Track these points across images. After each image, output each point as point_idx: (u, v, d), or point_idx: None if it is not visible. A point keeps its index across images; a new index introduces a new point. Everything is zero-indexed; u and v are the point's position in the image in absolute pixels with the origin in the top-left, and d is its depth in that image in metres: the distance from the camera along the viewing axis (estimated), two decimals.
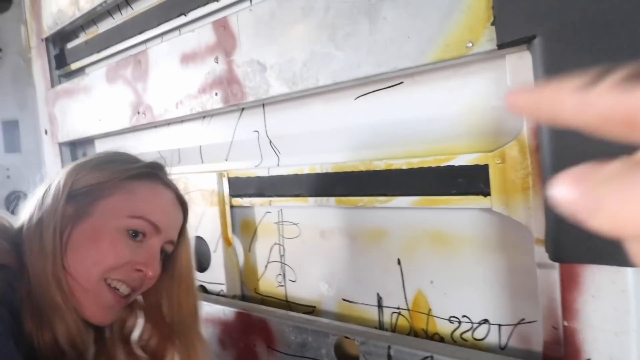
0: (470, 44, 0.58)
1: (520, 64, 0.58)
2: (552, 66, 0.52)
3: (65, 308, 0.58)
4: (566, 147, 0.51)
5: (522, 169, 0.59)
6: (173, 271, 0.72)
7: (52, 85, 1.41)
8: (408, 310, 0.76)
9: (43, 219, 0.60)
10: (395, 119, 0.73)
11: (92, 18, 1.29)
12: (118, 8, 1.22)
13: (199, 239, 1.07)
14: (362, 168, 0.76)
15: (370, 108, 0.76)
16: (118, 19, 1.22)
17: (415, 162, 0.70)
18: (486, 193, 0.63)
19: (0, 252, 0.57)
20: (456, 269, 0.70)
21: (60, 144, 1.41)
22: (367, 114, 0.76)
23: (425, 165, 0.69)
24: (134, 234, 0.63)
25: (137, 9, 1.16)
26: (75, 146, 1.42)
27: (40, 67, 1.45)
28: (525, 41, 0.54)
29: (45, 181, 0.67)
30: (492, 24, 0.55)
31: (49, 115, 1.43)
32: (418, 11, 0.62)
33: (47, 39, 1.40)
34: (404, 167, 0.71)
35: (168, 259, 0.71)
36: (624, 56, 0.46)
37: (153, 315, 0.73)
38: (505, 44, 0.55)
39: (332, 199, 0.81)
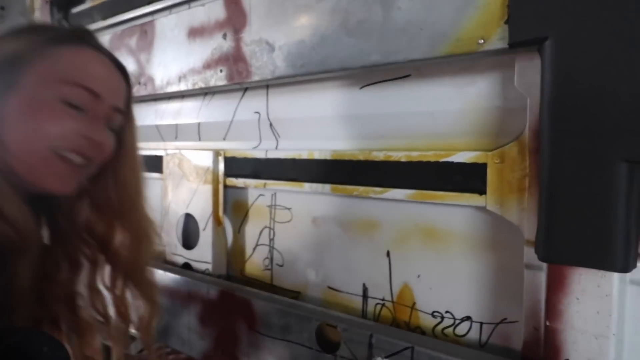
0: (482, 41, 0.58)
1: (529, 66, 0.58)
2: (560, 70, 0.52)
3: (6, 188, 0.56)
4: (566, 151, 0.52)
5: (520, 170, 0.60)
6: (120, 148, 0.69)
7: None
8: (392, 302, 0.76)
9: None
10: (398, 112, 0.74)
11: None
12: None
13: (189, 216, 1.07)
14: (361, 157, 0.76)
15: (374, 99, 0.76)
16: None
17: (415, 156, 0.70)
18: (482, 191, 0.64)
19: None
20: (444, 265, 0.71)
21: None
22: (371, 104, 0.76)
23: (424, 160, 0.69)
24: (74, 103, 0.60)
25: None
26: None
27: None
28: (536, 42, 0.54)
29: None
30: (506, 22, 0.56)
31: None
32: (433, 4, 0.62)
33: (51, 2, 1.38)
34: (403, 159, 0.71)
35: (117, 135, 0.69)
36: (633, 65, 0.47)
37: (99, 196, 0.71)
38: (517, 43, 0.55)
39: (328, 186, 0.81)
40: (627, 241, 0.48)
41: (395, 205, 0.75)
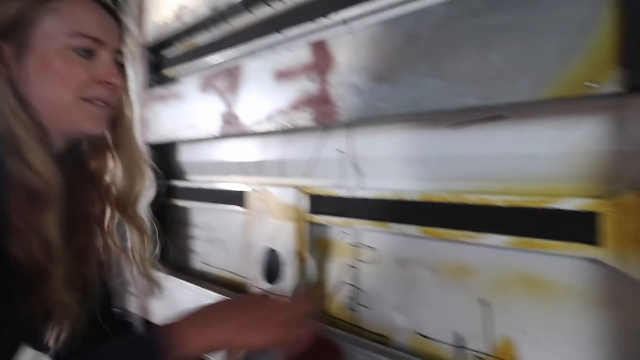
0: (592, 84, 0.54)
1: None
2: None
3: (31, 142, 0.62)
4: None
5: None
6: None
7: (146, 88, 1.51)
8: (492, 356, 0.71)
9: None
10: (493, 153, 0.71)
11: (191, 32, 1.37)
12: (215, 24, 1.29)
13: (271, 250, 1.09)
14: (452, 200, 0.74)
15: (466, 139, 0.74)
16: (214, 32, 1.29)
17: (514, 200, 0.66)
18: (595, 242, 0.58)
19: None
20: (553, 320, 0.65)
21: (148, 144, 1.49)
22: (462, 144, 0.74)
23: (526, 205, 0.65)
24: (83, 53, 0.66)
25: (234, 24, 1.22)
26: (161, 147, 1.50)
27: (137, 70, 1.56)
28: None
29: None
30: (622, 64, 0.52)
31: (141, 115, 1.52)
32: (534, 45, 0.59)
33: (146, 46, 1.51)
34: (501, 204, 0.68)
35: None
36: None
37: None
38: (636, 87, 0.51)
39: (416, 228, 0.79)
40: None
41: (491, 251, 0.71)
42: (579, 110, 0.62)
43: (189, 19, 1.30)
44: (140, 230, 0.83)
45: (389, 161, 0.85)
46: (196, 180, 1.44)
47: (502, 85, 0.62)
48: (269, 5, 1.09)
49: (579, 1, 0.56)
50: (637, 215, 0.55)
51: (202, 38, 1.33)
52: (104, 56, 0.69)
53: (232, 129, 1.12)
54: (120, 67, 0.73)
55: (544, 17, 0.58)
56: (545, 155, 0.65)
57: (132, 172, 0.80)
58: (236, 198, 1.23)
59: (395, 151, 0.84)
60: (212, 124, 1.19)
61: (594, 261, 0.60)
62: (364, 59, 0.80)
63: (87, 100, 0.67)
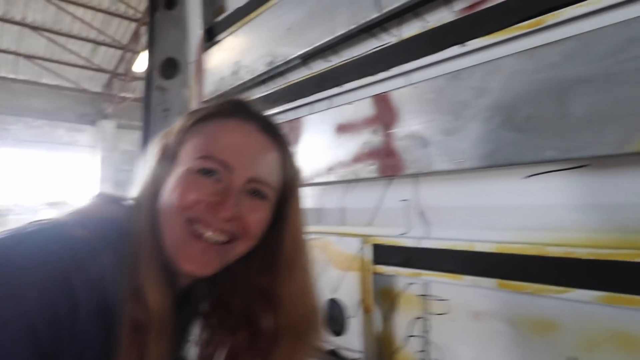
0: None
1: None
2: None
3: (154, 270, 0.57)
4: None
5: None
6: (280, 224, 0.67)
7: None
8: None
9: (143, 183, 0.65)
10: (575, 203, 0.69)
11: (247, 86, 1.44)
12: (272, 78, 1.35)
13: (334, 301, 1.08)
14: (533, 252, 0.72)
15: (544, 188, 0.72)
16: (270, 87, 1.35)
17: (604, 254, 0.64)
18: None
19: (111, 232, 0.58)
20: None
21: None
22: (539, 194, 0.73)
23: (616, 259, 0.62)
24: (204, 172, 0.60)
25: (290, 79, 1.27)
26: None
27: None
28: None
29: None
30: None
31: None
32: (620, 97, 0.58)
33: (206, 102, 1.60)
34: (589, 257, 0.65)
35: (278, 217, 0.67)
36: None
37: (253, 278, 0.68)
38: None
39: (493, 281, 0.77)
40: None
41: (578, 306, 0.68)
42: None
43: (245, 75, 1.37)
44: None
45: (457, 211, 0.85)
46: None
47: (587, 139, 0.61)
48: (327, 60, 1.14)
49: None
50: None
51: (259, 91, 1.39)
52: (229, 182, 0.60)
53: None
54: (255, 197, 0.63)
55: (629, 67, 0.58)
56: (635, 205, 0.63)
57: (293, 332, 0.69)
58: None
59: (464, 200, 0.83)
60: None
61: None
62: (430, 112, 0.81)
63: (196, 233, 0.60)
